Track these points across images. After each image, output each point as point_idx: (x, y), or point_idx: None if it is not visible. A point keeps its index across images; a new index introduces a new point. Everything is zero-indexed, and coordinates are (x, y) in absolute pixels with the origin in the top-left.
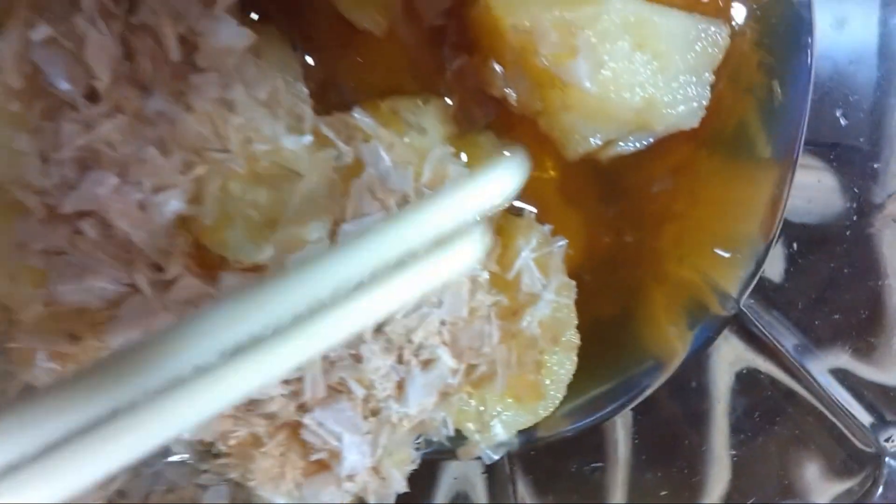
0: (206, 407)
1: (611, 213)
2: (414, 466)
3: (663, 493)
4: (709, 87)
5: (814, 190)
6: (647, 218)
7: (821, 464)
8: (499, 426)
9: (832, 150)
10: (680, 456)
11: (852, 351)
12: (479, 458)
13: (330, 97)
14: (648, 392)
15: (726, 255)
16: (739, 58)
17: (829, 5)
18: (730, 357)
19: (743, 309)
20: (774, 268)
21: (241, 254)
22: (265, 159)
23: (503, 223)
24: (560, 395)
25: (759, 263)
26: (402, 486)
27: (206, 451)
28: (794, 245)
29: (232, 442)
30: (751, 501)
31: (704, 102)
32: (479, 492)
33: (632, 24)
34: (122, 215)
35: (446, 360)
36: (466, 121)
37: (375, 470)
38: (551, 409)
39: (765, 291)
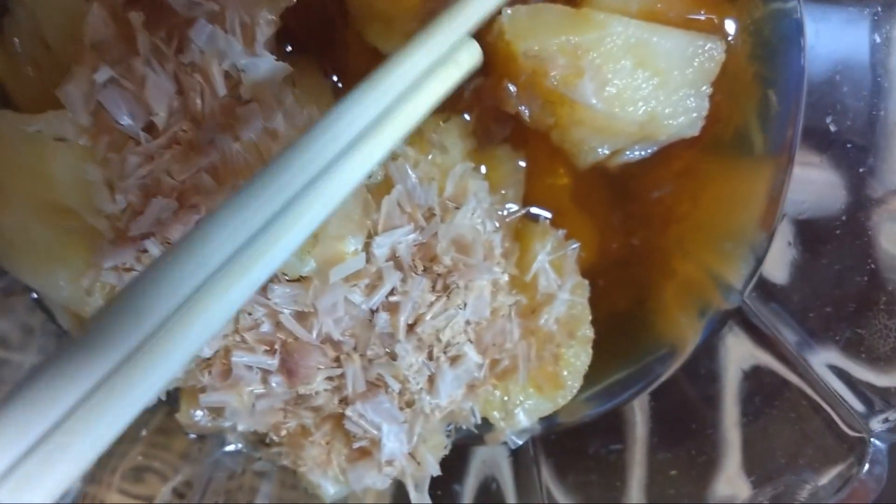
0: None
1: (620, 216)
2: (446, 452)
3: (673, 472)
4: (707, 99)
5: (812, 187)
6: (654, 219)
7: (816, 448)
8: (522, 414)
9: (828, 150)
10: (691, 438)
11: (847, 342)
12: (504, 443)
13: None
14: (662, 378)
15: (728, 251)
16: (735, 70)
17: (818, 16)
18: (736, 350)
19: (746, 301)
20: (775, 263)
21: (288, 267)
22: None
23: (521, 229)
24: (577, 385)
25: (760, 258)
26: (436, 469)
27: (258, 440)
28: (793, 241)
29: (283, 432)
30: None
31: (703, 113)
32: (506, 474)
33: (632, 45)
34: (181, 235)
35: (472, 356)
36: (485, 136)
37: (412, 455)
38: (569, 398)
39: (766, 285)
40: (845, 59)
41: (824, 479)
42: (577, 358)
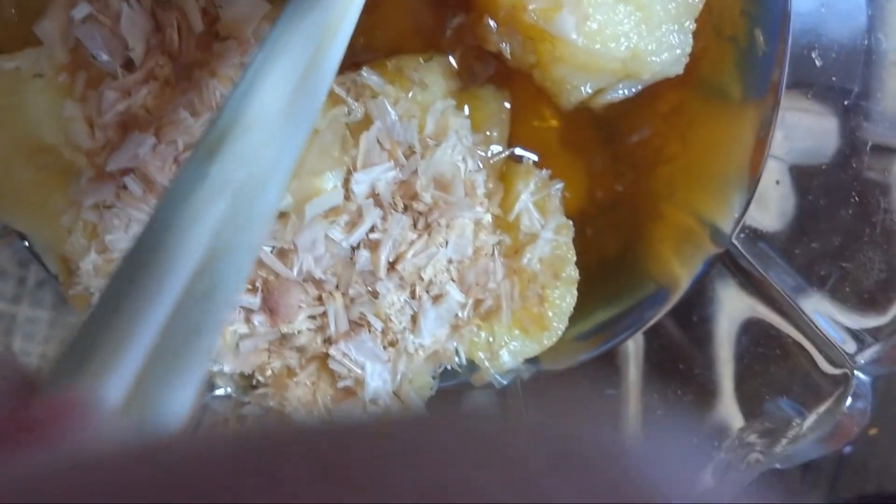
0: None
1: (608, 158)
2: (432, 392)
3: (660, 412)
4: (691, 36)
5: (799, 124)
6: (643, 161)
7: (804, 385)
8: (507, 355)
9: (813, 86)
10: (682, 378)
11: (833, 278)
12: (491, 385)
13: (344, 59)
14: (653, 321)
15: (716, 193)
16: (722, 7)
17: None
18: (724, 292)
19: (734, 243)
20: (762, 203)
21: None
22: None
23: (506, 171)
24: (562, 326)
25: (748, 199)
26: (421, 410)
27: (247, 385)
28: (781, 179)
29: (268, 373)
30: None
31: (687, 50)
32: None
33: None
34: (160, 171)
35: (455, 294)
36: (468, 76)
37: (396, 394)
38: (555, 339)
39: (753, 226)
40: None
41: (812, 417)
42: (563, 299)
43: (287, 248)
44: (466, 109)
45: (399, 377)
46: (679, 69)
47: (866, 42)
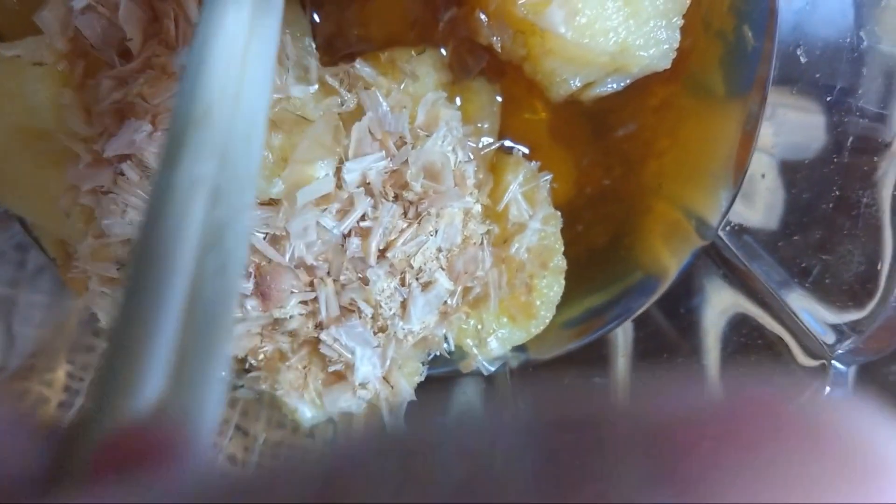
0: None
1: (598, 151)
2: (421, 378)
3: None
4: (678, 31)
5: (784, 119)
6: (632, 155)
7: (786, 376)
8: (494, 342)
9: (798, 81)
10: (670, 367)
11: (814, 271)
12: (479, 372)
13: (336, 51)
14: (638, 312)
15: (703, 186)
16: (710, 4)
17: None
18: (710, 284)
19: (720, 236)
20: (748, 197)
21: (257, 189)
22: (276, 106)
23: (495, 161)
24: (550, 315)
25: (734, 193)
26: (410, 394)
27: (240, 368)
28: (767, 173)
29: (260, 357)
30: None
31: (675, 45)
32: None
33: None
34: (156, 157)
35: (444, 282)
36: (461, 69)
37: (385, 379)
38: (542, 327)
39: (739, 220)
40: None
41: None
42: (550, 288)
43: (279, 235)
44: (458, 101)
45: (388, 362)
46: (667, 63)
47: (849, 40)
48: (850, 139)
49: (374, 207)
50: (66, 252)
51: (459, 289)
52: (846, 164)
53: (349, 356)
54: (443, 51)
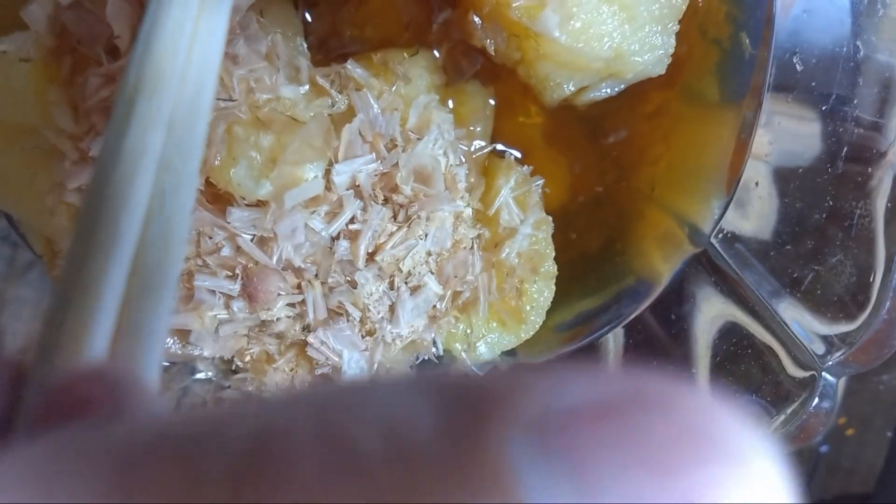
0: None
1: (592, 156)
2: None
3: None
4: (674, 37)
5: (779, 128)
6: (626, 161)
7: (774, 386)
8: (484, 347)
9: (794, 90)
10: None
11: (805, 281)
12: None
13: (329, 51)
14: (629, 319)
15: (697, 194)
16: (707, 11)
17: None
18: (701, 292)
19: (713, 243)
20: (741, 205)
21: (244, 190)
22: (266, 107)
23: (489, 166)
24: (540, 320)
25: (727, 201)
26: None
27: (228, 369)
28: (760, 182)
29: (247, 358)
30: None
31: (670, 51)
32: None
33: None
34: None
35: (433, 286)
36: (454, 71)
37: None
38: (531, 332)
39: (731, 227)
40: None
41: (783, 415)
42: (540, 294)
43: (267, 237)
44: (451, 104)
45: (376, 366)
46: (661, 69)
47: (846, 49)
48: (845, 148)
49: (364, 210)
50: (52, 249)
51: (449, 293)
52: (840, 173)
53: (336, 359)
54: (436, 53)
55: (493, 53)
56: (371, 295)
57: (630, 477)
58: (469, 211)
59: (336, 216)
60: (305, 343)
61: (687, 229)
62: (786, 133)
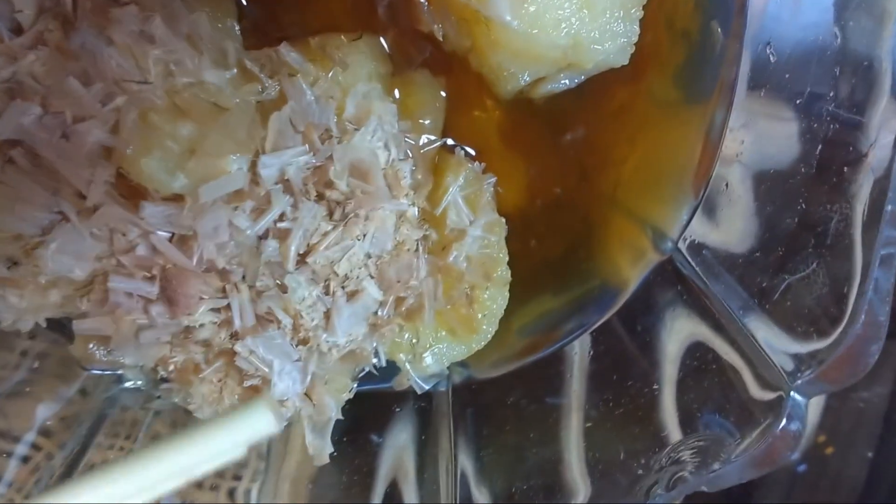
0: None
1: (551, 155)
2: (349, 395)
3: (589, 424)
4: (637, 24)
5: (751, 125)
6: (588, 161)
7: (739, 405)
8: (430, 358)
9: (766, 83)
10: (622, 388)
11: (774, 291)
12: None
13: (266, 35)
14: (591, 328)
15: (663, 197)
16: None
17: None
18: (666, 302)
19: (680, 250)
20: (709, 209)
21: (156, 182)
22: (186, 92)
23: (440, 163)
24: (492, 329)
25: (695, 205)
26: (335, 412)
27: (158, 378)
28: (729, 184)
29: (171, 367)
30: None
31: (633, 39)
32: (409, 426)
33: None
34: (46, 145)
35: (372, 291)
36: (402, 60)
37: (308, 396)
38: (483, 343)
39: (699, 233)
40: None
41: (748, 438)
42: (494, 301)
43: (187, 235)
44: (397, 95)
45: (310, 377)
46: (624, 59)
47: (822, 38)
48: (820, 147)
49: (294, 207)
50: None
51: (391, 299)
52: (816, 175)
53: (266, 370)
54: (382, 40)
55: (442, 40)
56: (303, 300)
57: None
58: (414, 210)
59: (263, 213)
60: (234, 352)
61: (651, 234)
62: (758, 132)
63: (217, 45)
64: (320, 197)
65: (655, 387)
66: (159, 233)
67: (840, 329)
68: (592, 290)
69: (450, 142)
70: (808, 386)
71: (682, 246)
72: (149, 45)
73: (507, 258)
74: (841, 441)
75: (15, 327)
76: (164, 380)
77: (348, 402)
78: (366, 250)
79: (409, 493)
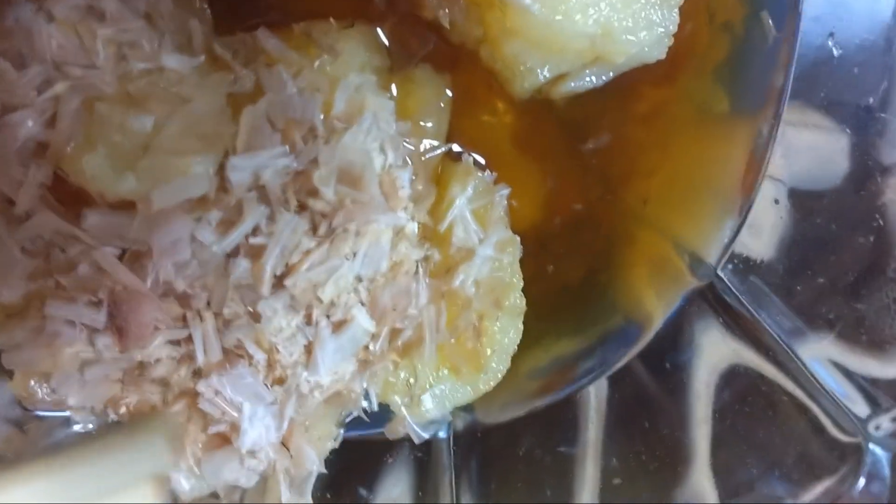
0: None
1: (572, 164)
2: (335, 445)
3: (618, 480)
4: (676, 12)
5: (805, 133)
6: (614, 171)
7: (799, 456)
8: (430, 401)
9: (816, 98)
10: (649, 438)
11: (844, 323)
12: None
13: (242, 19)
14: (618, 366)
15: (700, 215)
16: None
17: None
18: (706, 334)
19: (720, 275)
20: (756, 227)
21: (101, 183)
22: (142, 79)
23: (441, 171)
24: (503, 367)
25: (738, 224)
26: (315, 465)
27: (110, 421)
28: (781, 199)
29: (122, 410)
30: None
31: (672, 29)
32: (404, 478)
33: None
34: None
35: (363, 321)
36: (402, 53)
37: (284, 445)
38: (493, 383)
39: (744, 255)
40: None
41: (808, 497)
42: (505, 333)
43: (140, 250)
44: (394, 91)
45: (287, 423)
46: (661, 53)
47: (889, 39)
48: (889, 161)
49: (271, 219)
50: None
51: (385, 330)
52: (883, 192)
53: (235, 414)
54: (380, 32)
55: (448, 28)
56: (280, 331)
57: None
58: (413, 226)
59: (232, 226)
60: (196, 392)
61: (687, 258)
62: (813, 143)
63: (182, 26)
64: (302, 207)
65: (692, 435)
66: (106, 248)
67: None
68: (615, 324)
69: (456, 148)
70: (891, 437)
71: (725, 270)
72: (97, 24)
73: (521, 283)
74: None
75: None
76: (119, 423)
77: (333, 451)
78: (356, 272)
79: None
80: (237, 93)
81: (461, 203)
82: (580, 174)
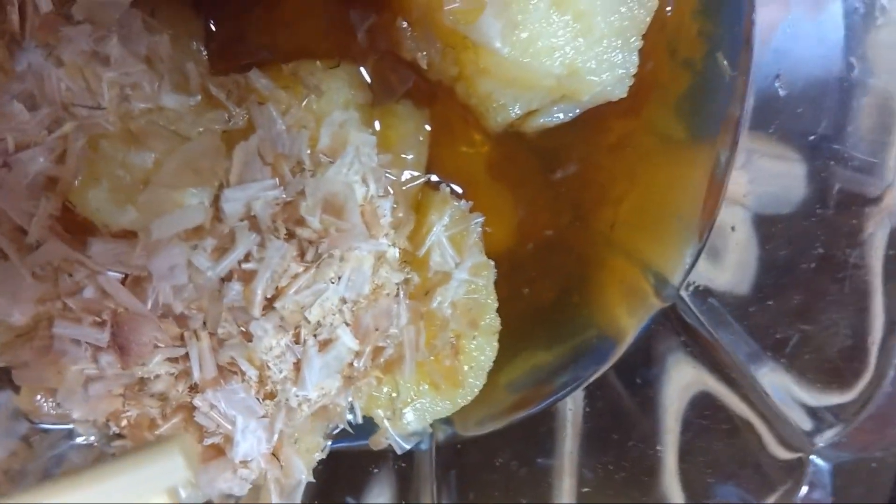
0: None
1: (544, 193)
2: (322, 455)
3: (587, 489)
4: (637, 54)
5: (761, 163)
6: (584, 199)
7: (753, 469)
8: (411, 414)
9: (776, 119)
10: (618, 449)
11: (792, 342)
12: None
13: (234, 59)
14: (586, 383)
15: (664, 239)
16: (677, 27)
17: None
18: (669, 353)
19: (682, 297)
20: (715, 252)
21: (104, 215)
22: (143, 118)
23: (423, 201)
24: (480, 383)
25: (699, 248)
26: (304, 474)
27: (105, 433)
28: (738, 226)
29: (123, 423)
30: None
31: (632, 70)
32: (385, 487)
33: None
34: None
35: (347, 340)
36: (383, 89)
37: (274, 456)
38: (470, 398)
39: (704, 278)
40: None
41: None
42: (481, 351)
43: (140, 276)
44: (377, 126)
45: (277, 435)
46: (622, 91)
47: (837, 70)
48: (835, 188)
49: (261, 246)
50: None
51: (368, 349)
52: (830, 218)
53: (228, 427)
54: (363, 70)
55: (426, 68)
56: (270, 350)
57: None
58: (394, 251)
59: (226, 252)
60: (192, 406)
61: (653, 279)
62: (767, 171)
63: (179, 68)
64: (290, 235)
65: (658, 447)
66: (109, 273)
67: (864, 383)
68: (588, 340)
69: (434, 178)
70: (832, 449)
71: (687, 292)
72: (102, 67)
73: (495, 304)
74: None
75: None
76: (119, 435)
77: (320, 462)
78: (340, 294)
79: None
80: (230, 129)
81: (438, 230)
82: (551, 201)
